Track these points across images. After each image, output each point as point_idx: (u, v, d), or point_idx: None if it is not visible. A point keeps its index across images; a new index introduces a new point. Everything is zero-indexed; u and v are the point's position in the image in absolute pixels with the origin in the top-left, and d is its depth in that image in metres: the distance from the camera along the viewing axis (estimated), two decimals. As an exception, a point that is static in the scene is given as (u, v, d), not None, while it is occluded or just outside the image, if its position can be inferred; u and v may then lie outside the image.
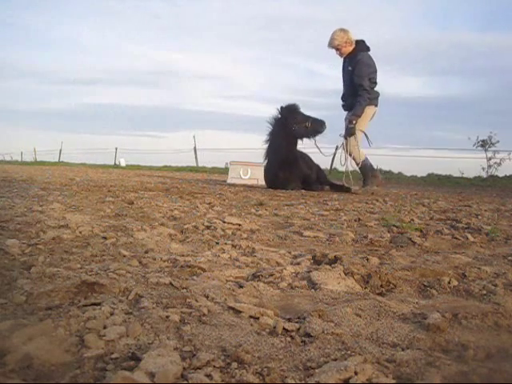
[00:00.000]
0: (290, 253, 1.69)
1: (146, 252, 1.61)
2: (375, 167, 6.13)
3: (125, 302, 1.02)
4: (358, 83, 5.35)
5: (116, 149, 24.55)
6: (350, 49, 5.47)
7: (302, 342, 0.86)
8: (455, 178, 12.30)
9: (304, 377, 0.72)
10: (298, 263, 1.51)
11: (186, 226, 2.16)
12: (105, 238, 1.80)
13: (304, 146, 6.09)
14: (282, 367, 0.74)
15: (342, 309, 1.02)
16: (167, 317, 0.92)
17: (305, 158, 6.16)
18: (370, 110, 5.54)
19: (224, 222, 2.29)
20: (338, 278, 1.31)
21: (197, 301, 1.04)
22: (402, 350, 0.83)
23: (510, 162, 12.77)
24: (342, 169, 6.06)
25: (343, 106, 5.80)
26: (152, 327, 0.87)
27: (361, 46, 5.47)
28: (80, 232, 1.87)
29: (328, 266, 1.43)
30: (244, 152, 18.85)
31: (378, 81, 5.53)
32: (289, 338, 0.87)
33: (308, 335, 0.88)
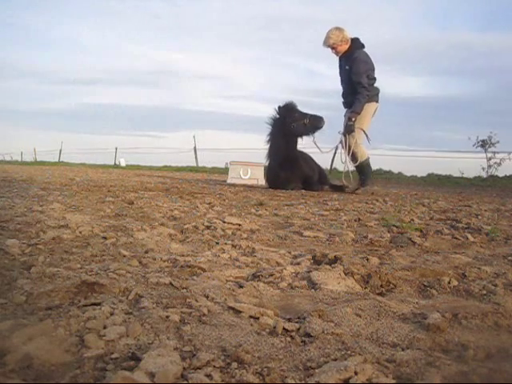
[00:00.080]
0: (290, 253, 1.69)
1: (146, 252, 1.61)
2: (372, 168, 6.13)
3: (125, 301, 1.02)
4: (356, 81, 5.35)
5: (116, 149, 24.55)
6: (345, 47, 5.47)
7: (302, 341, 0.86)
8: (455, 178, 12.30)
9: (304, 377, 0.72)
10: (298, 263, 1.51)
11: (185, 226, 2.16)
12: (105, 237, 1.80)
13: (304, 146, 6.10)
14: (282, 367, 0.74)
15: (342, 309, 1.02)
16: (167, 317, 0.92)
17: (306, 158, 6.16)
18: (371, 107, 5.54)
19: (224, 222, 2.29)
20: (338, 278, 1.31)
21: (197, 301, 1.04)
22: (402, 350, 0.83)
23: (510, 162, 12.76)
24: (342, 168, 6.05)
25: (344, 103, 5.80)
26: (152, 327, 0.87)
27: (356, 44, 5.47)
28: (80, 232, 1.87)
29: (328, 266, 1.43)
30: (244, 152, 18.85)
31: (376, 77, 5.54)
32: (289, 338, 0.87)
33: (308, 335, 0.88)
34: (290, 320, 0.97)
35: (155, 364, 0.69)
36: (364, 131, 5.58)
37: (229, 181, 7.32)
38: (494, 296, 1.18)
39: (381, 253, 1.75)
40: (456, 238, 2.14)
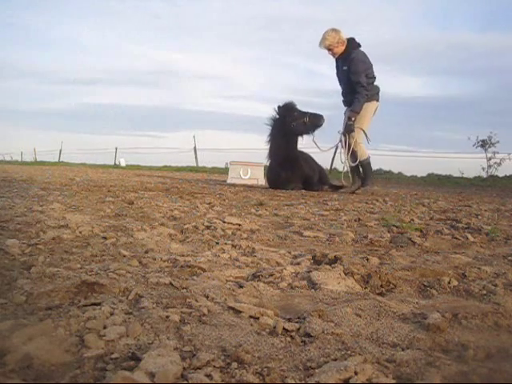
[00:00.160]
0: (289, 253, 1.69)
1: (146, 252, 1.61)
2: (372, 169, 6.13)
3: (125, 301, 1.02)
4: (356, 81, 5.35)
5: (116, 149, 24.54)
6: (342, 48, 5.47)
7: (302, 341, 0.86)
8: (455, 178, 12.30)
9: (304, 377, 0.72)
10: (298, 263, 1.51)
11: (186, 226, 2.16)
12: (105, 237, 1.80)
13: (305, 146, 6.11)
14: (282, 367, 0.74)
15: (342, 309, 1.02)
16: (167, 317, 0.92)
17: (307, 158, 6.16)
18: (371, 106, 5.54)
19: (224, 222, 2.29)
20: (338, 278, 1.31)
21: (197, 301, 1.04)
22: (402, 350, 0.83)
23: (510, 162, 12.78)
24: (342, 168, 6.06)
25: (343, 101, 5.80)
26: (152, 327, 0.87)
27: (353, 44, 5.47)
28: (80, 232, 1.87)
29: (328, 266, 1.43)
30: (244, 152, 18.86)
31: (375, 75, 5.53)
32: (289, 338, 0.87)
33: (308, 335, 0.88)
34: (290, 320, 0.97)
35: (155, 364, 0.69)
36: (364, 131, 5.58)
37: (229, 181, 7.32)
38: (494, 296, 1.18)
39: (381, 253, 1.75)
40: (456, 238, 2.14)
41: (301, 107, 5.90)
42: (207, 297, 1.09)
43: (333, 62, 5.73)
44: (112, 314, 0.91)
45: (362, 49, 5.50)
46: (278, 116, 5.86)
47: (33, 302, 1.00)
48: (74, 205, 2.91)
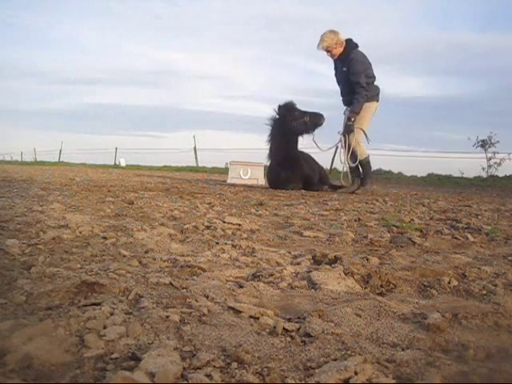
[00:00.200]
0: (289, 253, 1.69)
1: (146, 252, 1.61)
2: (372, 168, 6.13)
3: (125, 301, 1.02)
4: (355, 81, 5.35)
5: (116, 149, 24.55)
6: (340, 50, 5.47)
7: (302, 341, 0.86)
8: (455, 178, 12.30)
9: (304, 377, 0.72)
10: (298, 263, 1.51)
11: (186, 226, 2.16)
12: (105, 237, 1.80)
13: (305, 145, 6.11)
14: (282, 367, 0.74)
15: (342, 309, 1.02)
16: (167, 317, 0.92)
17: (307, 158, 6.16)
18: (371, 106, 5.54)
19: (224, 222, 2.29)
20: (338, 278, 1.31)
21: (197, 301, 1.04)
22: (402, 350, 0.83)
23: (510, 162, 12.78)
24: (341, 168, 6.06)
25: (343, 100, 5.80)
26: (152, 327, 0.87)
27: (351, 45, 5.47)
28: (80, 232, 1.87)
29: (328, 266, 1.43)
30: (244, 152, 18.86)
31: (375, 75, 5.53)
32: (289, 338, 0.87)
33: (308, 335, 0.88)
34: (290, 320, 0.97)
35: (155, 364, 0.69)
36: (364, 131, 5.58)
37: (229, 181, 7.32)
38: (494, 296, 1.18)
39: (381, 253, 1.75)
40: (456, 238, 2.14)
41: (301, 107, 5.92)
42: (207, 297, 1.08)
43: (332, 62, 5.74)
44: (112, 314, 0.91)
45: (360, 49, 5.50)
46: (278, 116, 5.87)
47: (33, 301, 1.00)
48: (74, 205, 2.91)
